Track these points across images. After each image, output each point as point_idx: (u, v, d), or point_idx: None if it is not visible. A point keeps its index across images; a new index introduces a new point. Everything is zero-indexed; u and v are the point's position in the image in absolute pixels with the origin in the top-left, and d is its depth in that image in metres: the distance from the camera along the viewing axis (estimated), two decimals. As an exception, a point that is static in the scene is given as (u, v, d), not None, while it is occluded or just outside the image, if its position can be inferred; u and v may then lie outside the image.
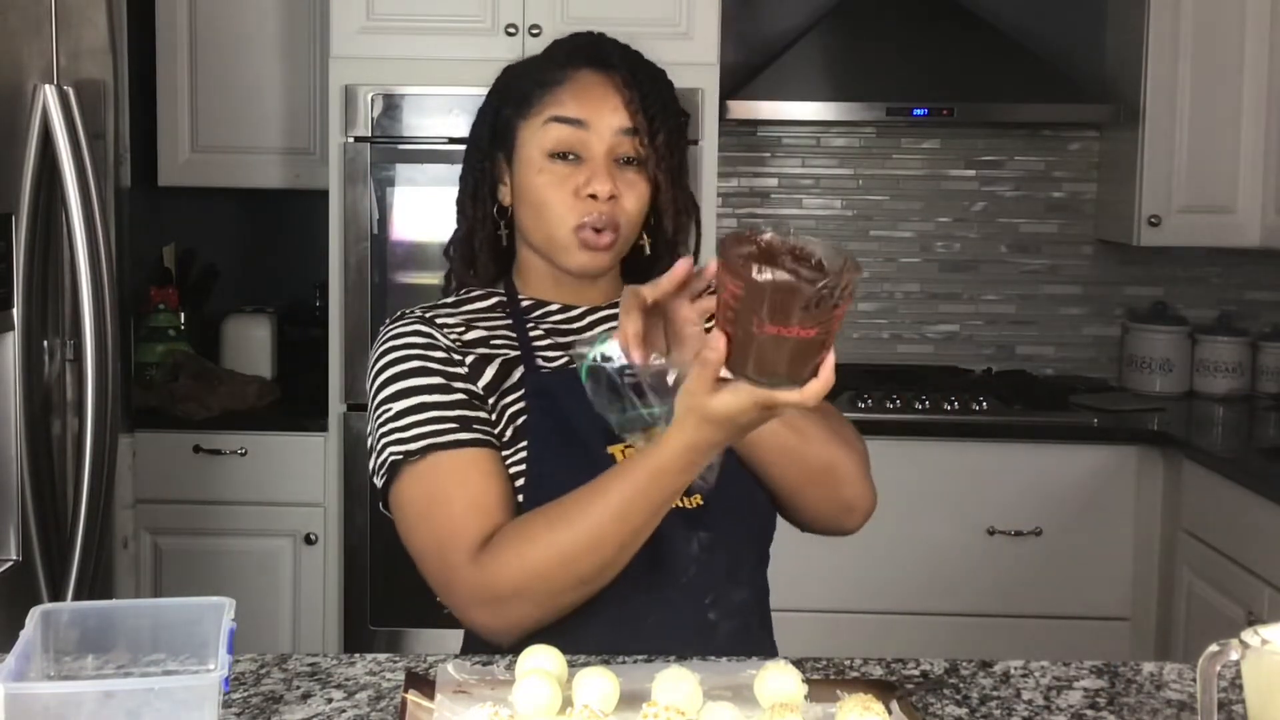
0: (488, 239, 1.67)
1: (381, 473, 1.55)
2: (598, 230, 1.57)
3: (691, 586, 1.55)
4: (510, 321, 1.63)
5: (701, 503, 1.56)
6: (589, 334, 1.50)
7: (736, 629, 1.57)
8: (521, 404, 1.56)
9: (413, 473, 1.52)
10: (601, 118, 1.57)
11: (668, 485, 1.39)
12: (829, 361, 1.26)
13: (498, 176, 1.65)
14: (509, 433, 1.56)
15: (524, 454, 1.54)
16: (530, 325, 1.63)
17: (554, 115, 1.58)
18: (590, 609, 1.50)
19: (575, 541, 1.42)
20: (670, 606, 1.54)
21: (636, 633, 1.51)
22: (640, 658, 1.44)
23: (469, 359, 1.58)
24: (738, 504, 1.59)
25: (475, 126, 1.69)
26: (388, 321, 1.62)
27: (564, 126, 1.58)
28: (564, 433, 1.54)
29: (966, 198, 4.10)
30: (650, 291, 1.38)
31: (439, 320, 1.61)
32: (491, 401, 1.57)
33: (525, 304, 1.65)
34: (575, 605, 1.47)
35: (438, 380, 1.55)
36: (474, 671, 1.36)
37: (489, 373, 1.58)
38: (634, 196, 1.59)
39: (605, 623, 1.51)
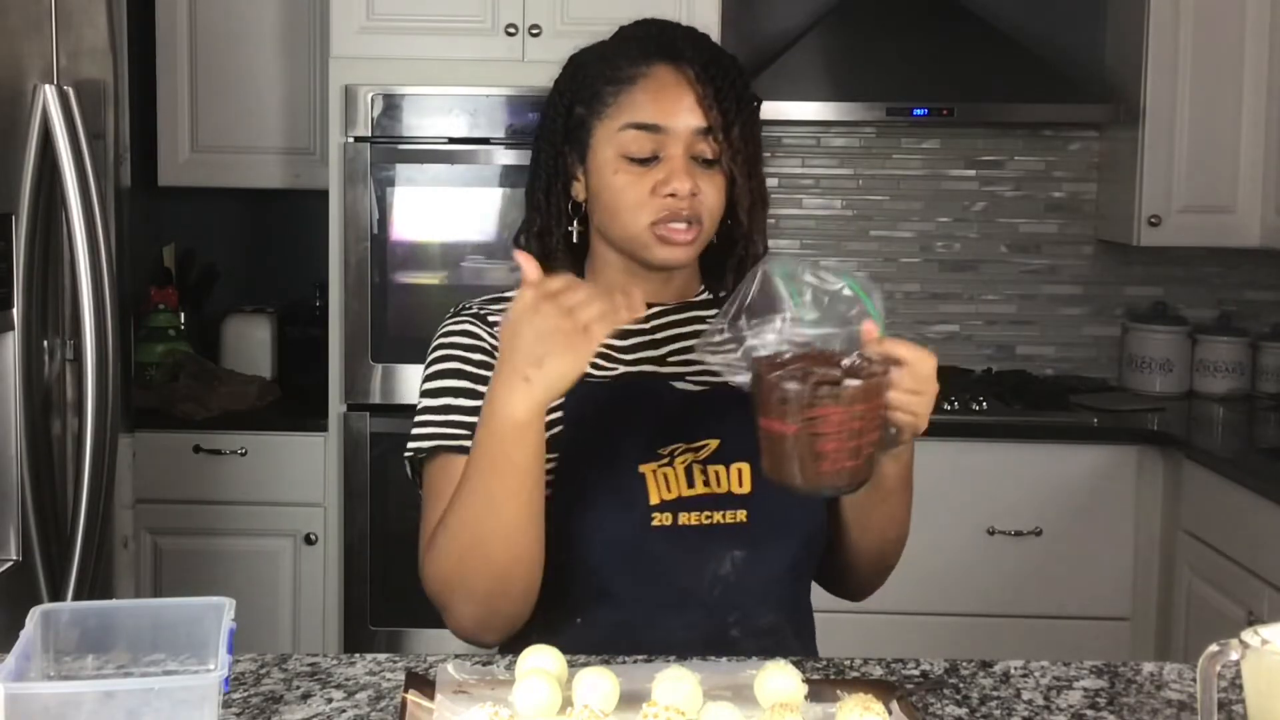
0: (564, 235, 1.65)
1: (407, 462, 1.61)
2: (680, 224, 1.55)
3: (717, 605, 1.55)
4: None
5: (745, 520, 1.55)
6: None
7: (763, 649, 1.54)
8: (560, 413, 1.55)
9: (425, 469, 1.58)
10: (677, 119, 1.55)
11: (492, 446, 1.39)
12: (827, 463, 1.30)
13: (571, 173, 1.62)
14: (548, 434, 1.54)
15: (554, 464, 1.53)
16: None
17: (630, 122, 1.56)
18: (610, 618, 1.51)
19: (460, 521, 1.44)
20: (691, 627, 1.54)
21: (655, 646, 1.49)
22: (640, 658, 1.44)
23: None
24: (783, 527, 1.58)
25: (546, 120, 1.65)
26: (451, 312, 1.64)
27: (640, 132, 1.55)
28: (599, 447, 1.54)
29: (966, 198, 4.10)
30: None
31: (493, 318, 1.59)
32: None
33: None
34: (505, 594, 1.47)
35: (466, 384, 1.56)
36: (474, 671, 1.36)
37: None
38: (714, 190, 1.57)
39: (624, 633, 1.50)
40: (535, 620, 1.53)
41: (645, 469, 1.54)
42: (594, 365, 1.58)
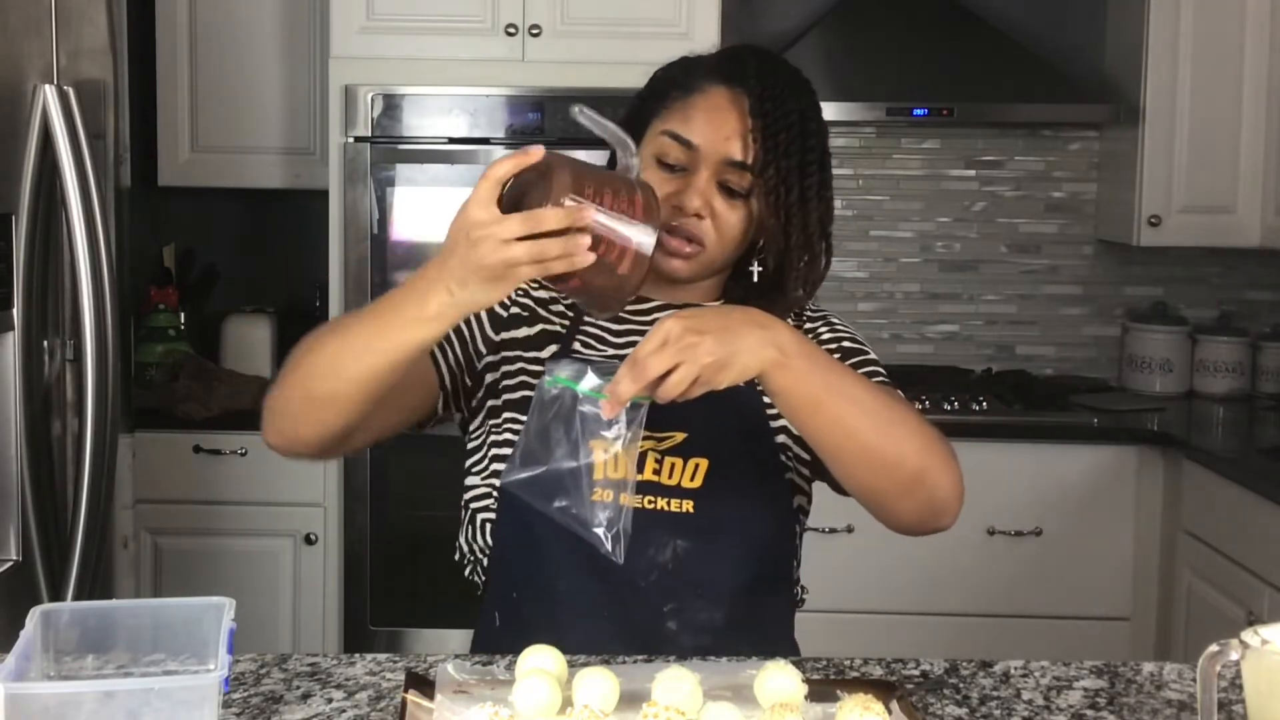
0: None
1: None
2: (679, 237, 1.56)
3: (650, 591, 1.54)
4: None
5: (693, 510, 1.55)
6: (568, 362, 1.45)
7: (704, 647, 1.53)
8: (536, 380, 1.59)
9: None
10: (713, 142, 1.56)
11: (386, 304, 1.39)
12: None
13: None
14: (518, 395, 1.60)
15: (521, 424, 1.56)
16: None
17: (669, 130, 1.58)
18: (548, 594, 1.52)
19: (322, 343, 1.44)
20: (625, 607, 1.54)
21: (592, 626, 1.50)
22: (640, 658, 1.45)
23: (513, 308, 1.64)
24: (732, 526, 1.57)
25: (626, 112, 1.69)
26: None
27: (675, 143, 1.57)
28: None
29: (966, 198, 4.10)
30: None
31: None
32: (512, 357, 1.62)
33: None
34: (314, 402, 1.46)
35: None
36: (474, 671, 1.36)
37: (527, 330, 1.63)
38: (734, 220, 1.57)
39: (563, 610, 1.50)
40: (490, 588, 1.60)
41: (593, 443, 1.54)
42: (586, 345, 1.63)
